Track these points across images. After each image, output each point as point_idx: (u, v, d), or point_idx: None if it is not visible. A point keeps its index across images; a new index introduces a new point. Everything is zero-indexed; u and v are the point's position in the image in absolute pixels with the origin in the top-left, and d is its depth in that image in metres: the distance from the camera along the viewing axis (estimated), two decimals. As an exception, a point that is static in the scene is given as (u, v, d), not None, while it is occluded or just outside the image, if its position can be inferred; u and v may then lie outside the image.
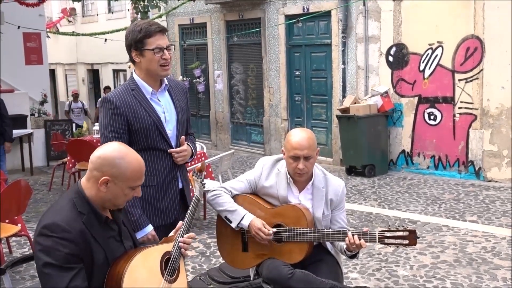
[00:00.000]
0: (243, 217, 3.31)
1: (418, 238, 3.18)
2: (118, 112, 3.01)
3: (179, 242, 2.69)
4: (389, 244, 3.16)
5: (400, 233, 3.12)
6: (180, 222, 2.80)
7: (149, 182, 3.06)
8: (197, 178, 3.01)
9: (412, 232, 3.11)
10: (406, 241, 3.12)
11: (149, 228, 3.02)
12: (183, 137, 3.22)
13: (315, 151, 3.30)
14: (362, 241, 3.13)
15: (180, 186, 3.25)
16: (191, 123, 3.47)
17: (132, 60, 3.10)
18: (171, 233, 2.81)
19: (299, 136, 3.29)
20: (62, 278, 2.26)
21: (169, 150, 3.13)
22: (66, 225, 2.30)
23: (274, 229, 3.31)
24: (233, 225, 3.33)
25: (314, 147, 3.30)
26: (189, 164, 3.58)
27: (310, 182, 3.40)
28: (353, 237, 3.14)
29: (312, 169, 3.37)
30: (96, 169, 2.41)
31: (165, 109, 3.15)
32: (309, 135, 3.32)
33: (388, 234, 3.14)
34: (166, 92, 3.20)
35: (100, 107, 3.11)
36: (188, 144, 3.26)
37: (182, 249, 2.69)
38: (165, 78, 3.19)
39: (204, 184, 3.06)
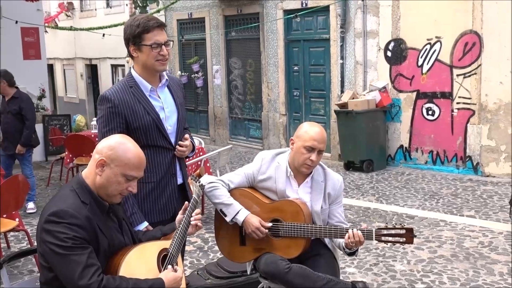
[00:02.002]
0: (238, 212, 3.32)
1: (415, 236, 3.19)
2: (117, 110, 2.99)
3: (192, 219, 2.79)
4: (385, 242, 3.17)
5: (397, 231, 3.13)
6: (186, 203, 2.85)
7: (148, 179, 3.07)
8: (196, 181, 3.02)
9: (409, 230, 3.12)
10: (403, 239, 3.12)
11: (143, 225, 3.01)
12: (186, 135, 3.23)
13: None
14: (360, 233, 3.14)
15: (180, 181, 3.25)
16: (187, 118, 3.47)
17: (130, 54, 3.10)
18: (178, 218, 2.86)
19: (317, 129, 3.33)
20: (80, 256, 2.30)
21: (179, 143, 3.16)
22: (74, 211, 2.35)
23: (270, 224, 3.32)
24: (227, 219, 3.34)
25: (326, 143, 3.36)
26: (189, 158, 3.58)
27: (310, 176, 3.42)
28: (353, 233, 3.14)
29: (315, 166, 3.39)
30: (97, 152, 2.49)
31: (165, 105, 3.14)
32: (324, 130, 3.38)
33: (385, 231, 3.14)
34: (166, 87, 3.19)
35: (98, 105, 3.09)
36: (190, 140, 3.27)
37: (198, 224, 2.83)
38: (164, 74, 3.18)
39: (202, 185, 3.07)
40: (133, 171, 2.48)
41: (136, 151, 2.51)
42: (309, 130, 3.31)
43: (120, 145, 2.48)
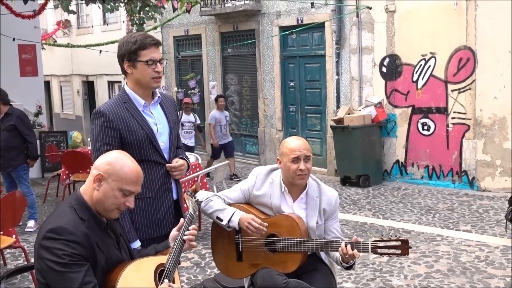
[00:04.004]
0: (233, 214, 3.32)
1: (411, 247, 3.22)
2: (111, 125, 3.01)
3: (184, 236, 2.76)
4: (381, 254, 3.19)
5: (393, 243, 3.14)
6: (182, 219, 2.84)
7: (144, 194, 3.08)
8: (191, 197, 3.02)
9: (405, 242, 3.14)
10: (399, 251, 3.14)
11: (136, 244, 3.02)
12: (176, 159, 3.25)
13: (311, 155, 3.37)
14: (355, 251, 3.15)
15: (175, 197, 3.27)
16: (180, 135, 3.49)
17: (123, 71, 3.12)
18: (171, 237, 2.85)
19: (296, 139, 3.42)
20: (76, 273, 2.30)
21: (167, 165, 3.16)
22: (72, 228, 2.35)
23: (266, 224, 3.31)
24: (224, 222, 3.33)
25: (310, 150, 3.39)
26: (183, 176, 3.59)
27: (304, 192, 3.43)
28: (345, 247, 3.16)
29: (309, 174, 3.41)
30: (95, 167, 2.50)
31: (157, 121, 3.17)
32: (304, 140, 3.44)
33: (381, 244, 3.16)
34: (158, 104, 3.23)
35: (92, 120, 3.10)
36: (183, 158, 3.28)
37: (191, 242, 2.78)
38: (157, 91, 3.22)
39: (198, 200, 3.07)
40: (130, 186, 2.49)
41: (133, 167, 2.53)
42: (289, 144, 3.38)
43: (118, 160, 2.50)
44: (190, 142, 10.70)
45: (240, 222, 3.31)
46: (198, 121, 11.18)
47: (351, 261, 3.28)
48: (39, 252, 2.36)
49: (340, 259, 3.29)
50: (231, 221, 3.33)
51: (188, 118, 10.76)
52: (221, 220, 3.35)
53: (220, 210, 3.36)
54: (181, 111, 10.68)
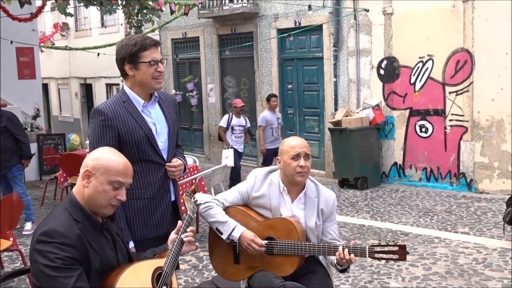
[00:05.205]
0: (233, 229, 3.32)
1: (408, 253, 3.22)
2: (110, 123, 3.02)
3: (182, 238, 2.76)
4: (379, 259, 3.19)
5: (390, 248, 3.15)
6: (180, 222, 2.83)
7: (142, 195, 3.08)
8: (190, 198, 3.02)
9: (402, 247, 3.14)
10: (396, 256, 3.14)
11: (130, 245, 3.01)
12: (175, 158, 3.25)
13: (310, 154, 3.40)
14: (352, 255, 3.15)
15: (173, 198, 3.26)
16: (181, 135, 3.49)
17: (123, 73, 3.12)
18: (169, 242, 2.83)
19: (296, 139, 3.45)
20: (68, 279, 2.29)
21: (166, 165, 3.16)
22: (65, 230, 2.34)
23: (266, 241, 3.33)
24: (224, 236, 3.34)
25: (310, 149, 3.41)
26: (181, 178, 3.59)
27: (303, 192, 3.43)
28: (343, 251, 3.16)
29: (308, 174, 3.41)
30: (83, 165, 2.50)
31: (156, 121, 3.17)
32: (304, 139, 3.47)
33: (378, 248, 3.16)
34: (157, 104, 3.23)
35: (91, 118, 3.11)
36: (180, 159, 3.28)
37: (196, 245, 2.80)
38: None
39: (197, 202, 3.07)
40: (118, 177, 2.47)
41: (120, 159, 2.52)
42: (289, 143, 3.42)
43: (104, 155, 2.50)
44: (241, 148, 9.75)
45: (240, 240, 3.32)
46: (249, 124, 9.99)
47: (346, 265, 3.28)
48: (33, 256, 2.35)
49: (336, 262, 3.29)
50: (231, 236, 3.33)
51: (239, 121, 9.68)
52: (221, 234, 3.35)
53: (221, 223, 3.35)
54: (230, 114, 9.81)
